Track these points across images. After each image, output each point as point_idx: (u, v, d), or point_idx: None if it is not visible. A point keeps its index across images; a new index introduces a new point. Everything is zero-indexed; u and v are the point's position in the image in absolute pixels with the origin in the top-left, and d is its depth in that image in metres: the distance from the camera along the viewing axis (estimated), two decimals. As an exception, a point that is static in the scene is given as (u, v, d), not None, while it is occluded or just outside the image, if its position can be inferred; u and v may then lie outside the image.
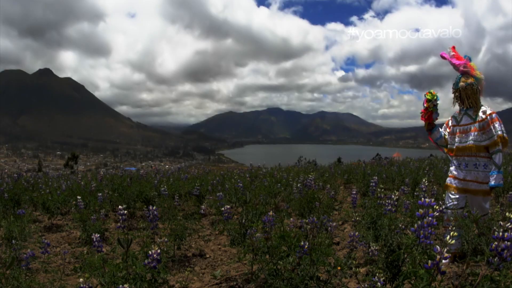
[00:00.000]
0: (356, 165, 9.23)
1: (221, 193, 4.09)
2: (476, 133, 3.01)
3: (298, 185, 4.40)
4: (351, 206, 3.78)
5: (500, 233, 1.24)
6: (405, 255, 1.52)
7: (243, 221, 3.29)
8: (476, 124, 3.03)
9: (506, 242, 1.21)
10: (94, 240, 2.12)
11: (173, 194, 4.92)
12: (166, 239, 2.85)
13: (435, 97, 3.07)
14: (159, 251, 1.55)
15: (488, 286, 1.19)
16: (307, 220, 1.83)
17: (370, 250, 1.87)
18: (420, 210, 1.36)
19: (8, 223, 3.18)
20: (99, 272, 1.64)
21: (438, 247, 1.19)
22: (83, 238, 3.65)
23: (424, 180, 3.47)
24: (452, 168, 3.16)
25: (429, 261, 1.19)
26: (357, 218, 3.10)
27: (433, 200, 1.37)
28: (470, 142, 3.04)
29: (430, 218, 1.33)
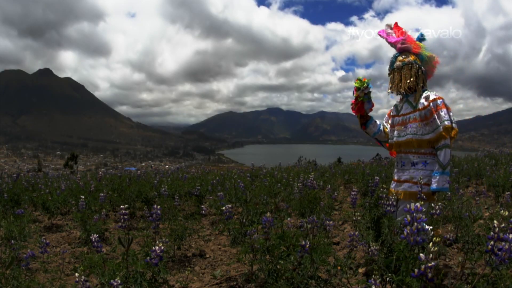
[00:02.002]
0: (356, 165, 9.23)
1: (221, 193, 4.09)
2: (416, 124, 2.44)
3: (299, 184, 4.40)
4: (351, 206, 3.79)
5: (496, 234, 1.23)
6: (399, 260, 1.51)
7: (244, 220, 3.29)
8: (417, 113, 2.44)
9: (503, 243, 1.20)
10: (93, 240, 2.12)
11: (173, 194, 4.92)
12: (166, 239, 2.86)
13: (365, 84, 2.55)
14: (163, 247, 1.56)
15: (485, 287, 1.19)
16: (307, 220, 1.83)
17: (370, 250, 1.87)
18: (408, 217, 1.32)
19: (8, 223, 3.18)
20: (99, 271, 1.65)
21: (422, 255, 1.18)
22: (83, 238, 3.66)
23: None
24: (394, 170, 2.66)
25: (416, 270, 1.17)
26: (358, 218, 3.10)
27: (419, 204, 1.34)
28: (409, 135, 2.46)
29: (418, 224, 1.30)
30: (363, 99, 2.58)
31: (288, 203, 4.49)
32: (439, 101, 2.37)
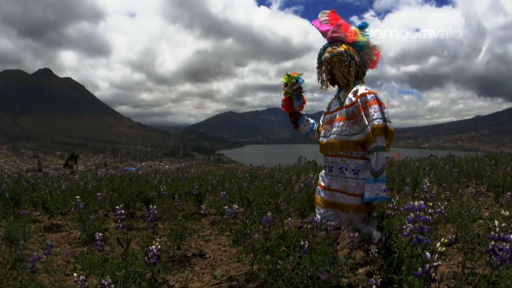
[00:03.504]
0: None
1: (224, 192, 4.09)
2: (341, 123, 2.14)
3: (301, 185, 4.40)
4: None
5: (496, 234, 1.23)
6: (399, 260, 1.51)
7: (247, 220, 3.29)
8: (343, 110, 2.15)
9: (504, 243, 1.21)
10: (97, 239, 2.12)
11: (173, 194, 4.92)
12: (166, 239, 2.86)
13: (293, 79, 2.30)
14: (159, 246, 1.55)
15: (485, 287, 1.19)
16: (307, 220, 1.83)
17: (370, 251, 1.87)
18: (411, 214, 1.32)
19: (8, 223, 3.19)
20: (99, 271, 1.65)
21: (428, 254, 1.17)
22: (83, 238, 3.66)
23: (426, 181, 3.19)
24: (320, 173, 2.38)
25: (420, 269, 1.17)
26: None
27: (422, 203, 1.33)
28: (333, 136, 2.17)
29: (421, 223, 1.30)
30: (291, 95, 2.36)
31: (289, 203, 4.50)
32: (368, 96, 2.05)
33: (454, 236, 2.95)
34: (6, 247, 3.01)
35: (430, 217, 1.29)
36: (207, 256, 3.34)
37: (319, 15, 2.33)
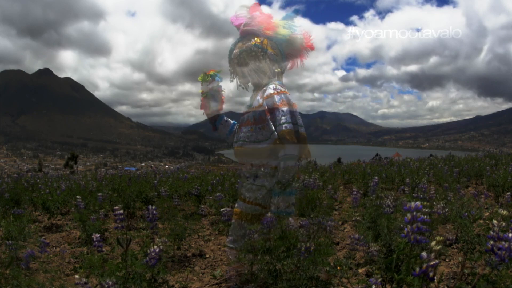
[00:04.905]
0: (356, 165, 9.24)
1: (221, 193, 4.09)
2: (248, 128, 1.91)
3: (299, 185, 4.40)
4: (351, 206, 3.78)
5: (495, 233, 1.23)
6: (399, 259, 1.51)
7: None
8: (250, 114, 1.92)
9: (503, 242, 1.21)
10: (95, 239, 2.12)
11: (173, 194, 4.92)
12: (166, 239, 2.86)
13: (208, 78, 2.10)
14: (158, 249, 1.55)
15: (485, 287, 1.19)
16: (306, 222, 1.82)
17: (369, 250, 1.87)
18: (408, 215, 1.32)
19: (7, 223, 3.19)
20: (98, 271, 1.65)
21: (424, 253, 1.18)
22: (83, 238, 3.66)
23: (423, 180, 3.18)
24: None
25: (417, 268, 1.17)
26: (358, 218, 3.10)
27: (419, 203, 1.33)
28: (240, 143, 1.95)
29: (419, 223, 1.30)
30: (206, 95, 2.16)
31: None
32: (276, 98, 1.79)
33: (454, 236, 2.96)
34: (6, 247, 3.01)
35: (428, 217, 1.29)
36: (207, 256, 3.34)
37: (237, 9, 2.12)
